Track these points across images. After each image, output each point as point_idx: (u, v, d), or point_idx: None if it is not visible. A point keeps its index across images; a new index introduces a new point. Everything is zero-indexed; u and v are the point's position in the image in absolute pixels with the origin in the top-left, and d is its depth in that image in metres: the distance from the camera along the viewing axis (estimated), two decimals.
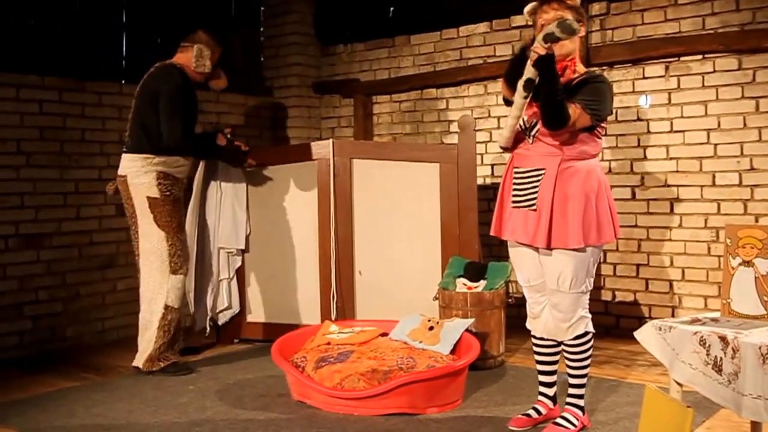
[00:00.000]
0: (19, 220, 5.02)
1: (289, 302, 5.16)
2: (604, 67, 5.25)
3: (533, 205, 3.15)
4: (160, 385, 4.17)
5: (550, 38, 2.90)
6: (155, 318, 4.42)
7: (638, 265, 5.21)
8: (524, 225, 3.18)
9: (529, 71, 2.98)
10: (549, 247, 3.13)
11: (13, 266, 4.99)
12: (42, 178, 5.14)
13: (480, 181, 5.39)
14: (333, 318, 4.82)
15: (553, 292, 3.21)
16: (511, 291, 5.48)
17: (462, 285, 4.53)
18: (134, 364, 4.47)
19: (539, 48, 2.92)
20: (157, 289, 4.42)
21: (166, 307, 4.42)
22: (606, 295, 5.33)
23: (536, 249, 3.22)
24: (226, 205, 5.08)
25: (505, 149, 3.31)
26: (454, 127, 5.99)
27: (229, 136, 4.79)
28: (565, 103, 3.01)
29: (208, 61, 4.55)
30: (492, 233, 3.37)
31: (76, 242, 5.31)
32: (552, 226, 3.11)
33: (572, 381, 3.30)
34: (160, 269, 4.42)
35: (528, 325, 3.42)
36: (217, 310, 5.14)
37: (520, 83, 3.02)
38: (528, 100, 3.07)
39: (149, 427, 3.47)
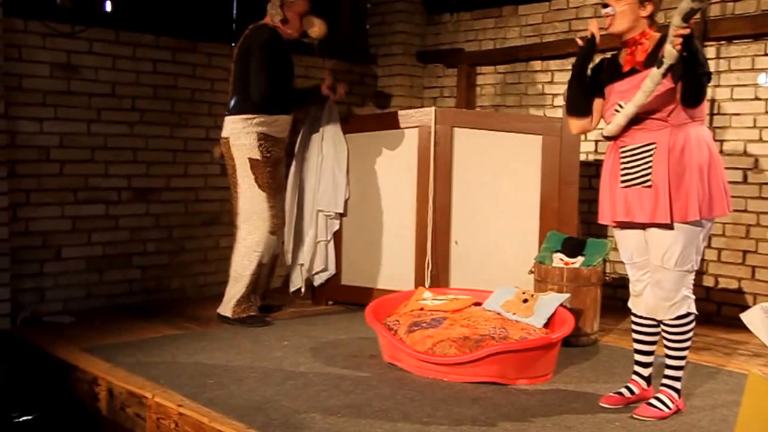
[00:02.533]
0: (131, 174, 5.25)
1: (383, 268, 5.22)
2: (722, 42, 5.03)
3: (647, 181, 3.07)
4: (257, 338, 4.32)
5: (689, 15, 2.76)
6: (247, 273, 4.61)
7: (745, 252, 5.02)
8: (639, 203, 3.09)
9: (670, 56, 2.85)
10: (671, 222, 3.05)
11: (125, 218, 5.24)
12: (153, 135, 5.35)
13: (582, 157, 5.29)
14: (427, 286, 4.85)
15: (657, 268, 3.13)
16: (608, 270, 5.39)
17: (558, 260, 4.48)
18: (219, 311, 4.70)
19: (681, 29, 2.79)
20: (255, 246, 4.60)
21: (260, 264, 4.63)
22: (708, 281, 5.16)
23: (642, 226, 3.15)
24: (327, 169, 5.16)
25: (609, 138, 3.23)
26: (558, 101, 5.88)
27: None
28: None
29: (278, 9, 4.62)
30: (601, 221, 3.30)
31: (183, 198, 5.52)
32: (671, 200, 3.02)
33: (670, 362, 3.22)
34: (260, 228, 4.58)
35: (629, 303, 3.35)
36: (314, 272, 5.25)
37: (658, 70, 2.90)
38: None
39: (246, 375, 3.60)
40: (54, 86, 4.91)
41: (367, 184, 5.24)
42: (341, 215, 5.26)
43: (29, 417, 3.99)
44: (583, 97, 3.32)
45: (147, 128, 5.31)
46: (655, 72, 2.91)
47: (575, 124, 3.40)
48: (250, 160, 4.54)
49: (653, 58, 2.99)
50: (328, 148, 5.16)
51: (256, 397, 3.28)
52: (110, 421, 3.60)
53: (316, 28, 4.71)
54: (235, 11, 5.83)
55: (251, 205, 4.58)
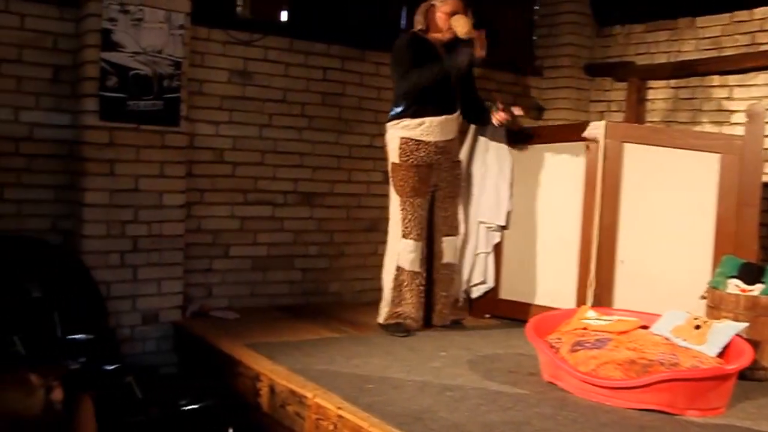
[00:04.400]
0: (297, 178, 5.41)
1: (543, 284, 5.08)
2: None
3: None
4: (413, 346, 4.31)
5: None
6: (389, 278, 4.64)
7: None
8: None
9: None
10: None
11: (290, 220, 5.40)
12: (320, 140, 5.50)
13: (765, 178, 4.94)
14: (589, 305, 4.67)
15: None
16: None
17: (734, 286, 4.18)
18: (377, 319, 4.74)
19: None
20: (392, 250, 4.65)
21: (398, 268, 4.62)
22: None
23: None
24: (490, 180, 5.09)
25: None
26: (735, 118, 5.54)
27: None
28: None
29: (421, 16, 4.61)
30: None
31: (345, 204, 5.63)
32: None
33: None
34: (395, 232, 4.63)
35: None
36: (472, 284, 5.19)
37: None
38: None
39: (403, 383, 3.58)
40: (230, 92, 5.14)
41: (531, 197, 5.13)
42: (503, 228, 5.18)
43: (195, 406, 4.15)
44: None
45: (314, 134, 5.46)
46: None
47: None
48: (393, 164, 4.61)
49: None
50: (492, 159, 5.09)
51: (414, 406, 3.26)
52: (270, 417, 3.69)
53: (460, 28, 4.62)
54: (403, 21, 5.89)
55: (392, 208, 4.67)
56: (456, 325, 4.91)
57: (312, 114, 5.46)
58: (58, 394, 1.16)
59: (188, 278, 4.95)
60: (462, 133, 5.09)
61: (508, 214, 5.15)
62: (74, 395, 1.20)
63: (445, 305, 4.89)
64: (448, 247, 4.82)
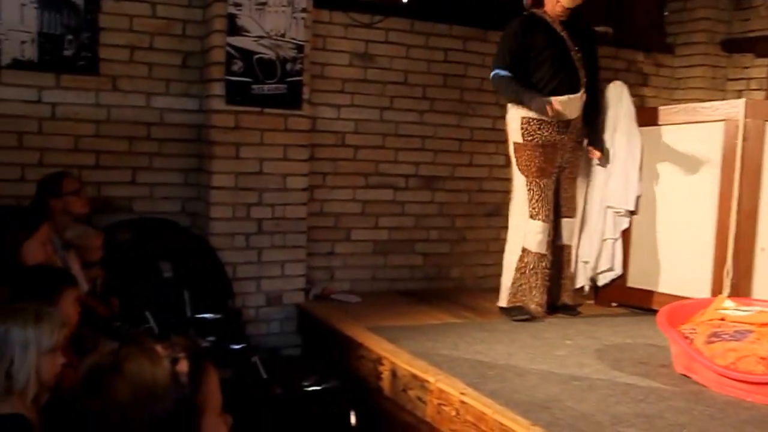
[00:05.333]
0: (419, 162, 5.37)
1: (675, 272, 4.82)
2: None
3: None
4: (538, 334, 4.18)
5: None
6: (513, 259, 4.55)
7: None
8: None
9: None
10: None
11: (411, 204, 5.37)
12: (442, 123, 5.42)
13: None
14: (725, 295, 4.40)
15: None
16: None
17: None
18: (498, 303, 4.66)
19: None
20: (517, 231, 4.55)
21: (523, 249, 4.52)
22: None
23: None
24: (618, 163, 4.86)
25: None
26: None
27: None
28: None
29: None
30: None
31: (467, 188, 5.55)
32: None
33: None
34: (520, 213, 4.52)
35: None
36: (598, 271, 5.00)
37: None
38: None
39: (527, 371, 3.48)
40: (352, 74, 5.14)
41: (662, 181, 4.86)
42: (631, 213, 4.94)
43: (318, 388, 4.19)
44: None
45: (436, 117, 5.39)
46: None
47: None
48: (515, 143, 4.51)
49: None
50: (621, 141, 4.86)
51: (539, 394, 3.15)
52: (392, 400, 3.67)
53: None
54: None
55: (515, 189, 4.56)
56: (571, 311, 4.75)
57: (433, 96, 5.39)
58: (183, 366, 1.15)
59: (311, 261, 5.00)
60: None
61: (638, 198, 4.91)
62: (200, 368, 1.18)
63: (563, 289, 4.76)
64: (566, 228, 4.70)
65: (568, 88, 4.45)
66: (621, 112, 4.85)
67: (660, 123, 4.88)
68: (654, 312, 3.92)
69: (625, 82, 5.07)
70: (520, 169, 4.51)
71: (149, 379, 1.12)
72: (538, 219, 4.49)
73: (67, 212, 3.86)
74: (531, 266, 4.54)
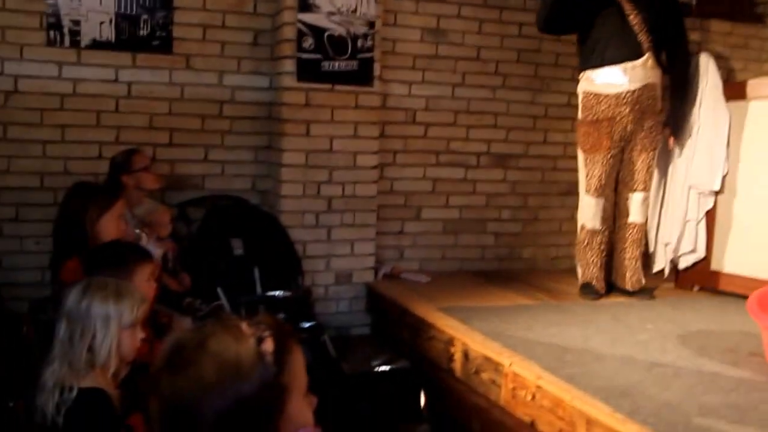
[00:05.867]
0: (491, 139, 5.24)
1: (763, 255, 4.58)
2: None
3: None
4: (616, 317, 4.03)
5: None
6: (579, 237, 4.49)
7: None
8: None
9: None
10: None
11: (482, 183, 5.25)
12: (515, 99, 5.28)
13: None
14: None
15: None
16: None
17: None
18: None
19: None
20: (580, 210, 4.49)
21: (581, 226, 4.44)
22: None
23: None
24: (703, 140, 4.62)
25: None
26: None
27: None
28: None
29: None
30: None
31: (540, 166, 5.40)
32: None
33: None
34: (580, 188, 4.45)
35: None
36: (680, 253, 4.79)
37: None
38: None
39: (606, 355, 3.35)
40: (423, 50, 5.03)
41: (750, 158, 4.61)
42: (716, 193, 4.71)
43: (388, 368, 4.14)
44: None
45: (509, 93, 5.25)
46: None
47: None
48: (577, 119, 4.42)
49: None
50: (706, 116, 4.62)
51: (620, 380, 3.02)
52: (463, 383, 3.59)
53: None
54: None
55: (578, 164, 4.46)
56: (644, 293, 4.55)
57: (506, 72, 5.24)
58: (269, 345, 1.09)
59: (380, 240, 4.94)
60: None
61: (723, 177, 4.67)
62: (285, 347, 1.12)
63: (632, 269, 4.53)
64: (634, 204, 4.48)
65: (625, 54, 4.23)
66: (707, 85, 4.62)
67: (748, 97, 4.63)
68: (739, 297, 3.74)
69: (712, 54, 4.81)
70: (578, 145, 4.43)
71: (234, 357, 1.08)
72: (590, 194, 4.38)
73: (139, 188, 3.89)
74: (586, 242, 4.45)
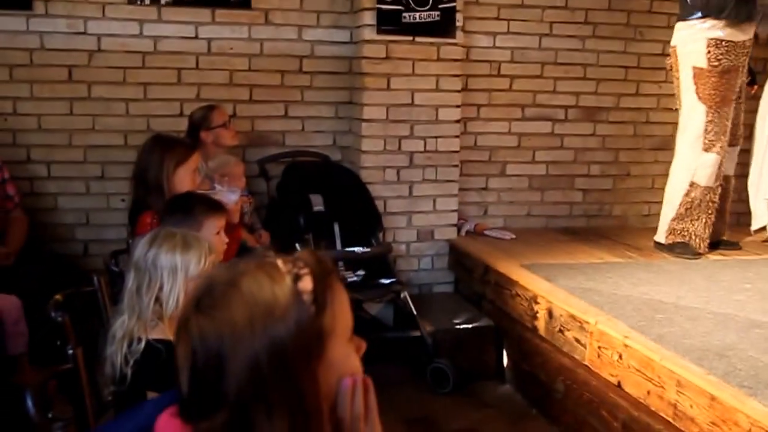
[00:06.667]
0: (579, 92, 5.02)
1: None
2: None
3: None
4: (712, 276, 3.82)
5: None
6: (679, 193, 4.21)
7: None
8: None
9: None
10: None
11: (570, 137, 5.05)
12: (605, 50, 5.03)
13: None
14: None
15: None
16: None
17: None
18: (655, 237, 4.35)
19: None
20: (686, 164, 4.17)
21: (691, 184, 4.16)
22: None
23: None
24: None
25: None
26: None
27: None
28: None
29: None
30: None
31: (632, 119, 5.15)
32: None
33: None
34: (693, 145, 4.12)
35: None
36: None
37: None
38: None
39: (700, 315, 3.16)
40: (508, 0, 4.83)
41: None
42: None
43: (470, 326, 4.07)
44: None
45: (599, 42, 5.00)
46: None
47: None
48: (694, 68, 4.06)
49: None
50: None
51: (714, 341, 2.84)
52: (547, 341, 3.47)
53: None
54: None
55: (688, 118, 4.14)
56: (734, 246, 4.39)
57: (596, 21, 4.98)
58: (307, 284, 1.00)
59: (463, 196, 4.83)
60: None
61: None
62: (326, 286, 1.03)
63: (721, 222, 4.37)
64: (729, 158, 4.27)
65: (743, 14, 4.00)
66: None
67: None
68: None
69: None
70: (700, 97, 4.08)
71: (268, 296, 0.99)
72: (713, 151, 4.10)
73: (217, 145, 3.89)
74: (697, 201, 4.19)
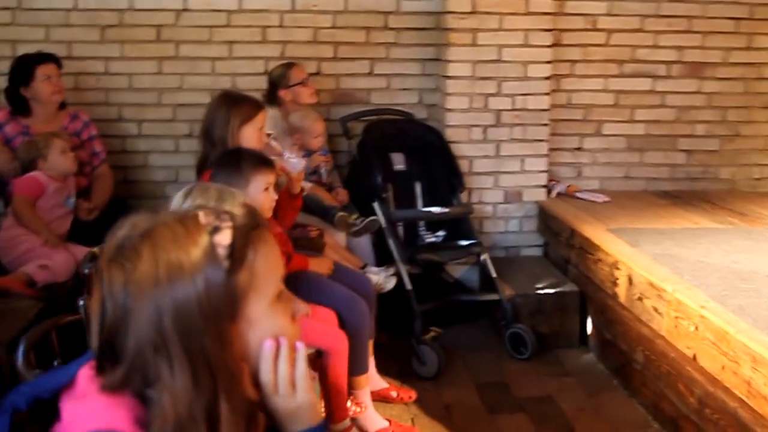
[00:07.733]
0: (683, 46, 4.69)
1: None
2: None
3: None
4: None
5: None
6: None
7: None
8: None
9: None
10: None
11: (672, 95, 4.74)
12: (712, 0, 4.66)
13: None
14: None
15: None
16: None
17: None
18: None
19: None
20: None
21: None
22: None
23: None
24: None
25: None
26: None
27: None
28: None
29: None
30: None
31: (743, 75, 4.77)
32: None
33: None
34: None
35: None
36: None
37: None
38: None
39: None
40: None
41: None
42: None
43: (552, 291, 3.93)
44: None
45: None
46: None
47: None
48: None
49: None
50: None
51: None
52: (628, 309, 3.30)
53: None
54: None
55: None
56: None
57: None
58: (224, 237, 0.94)
59: (555, 157, 4.64)
60: None
61: None
62: (247, 240, 0.96)
63: None
64: None
65: None
66: None
67: None
68: None
69: None
70: None
71: (179, 251, 0.93)
72: None
73: (297, 102, 3.88)
74: None
